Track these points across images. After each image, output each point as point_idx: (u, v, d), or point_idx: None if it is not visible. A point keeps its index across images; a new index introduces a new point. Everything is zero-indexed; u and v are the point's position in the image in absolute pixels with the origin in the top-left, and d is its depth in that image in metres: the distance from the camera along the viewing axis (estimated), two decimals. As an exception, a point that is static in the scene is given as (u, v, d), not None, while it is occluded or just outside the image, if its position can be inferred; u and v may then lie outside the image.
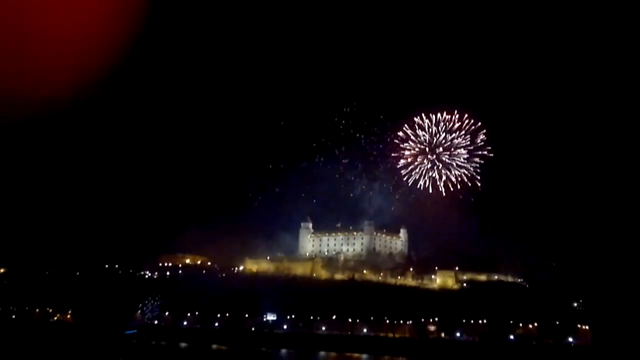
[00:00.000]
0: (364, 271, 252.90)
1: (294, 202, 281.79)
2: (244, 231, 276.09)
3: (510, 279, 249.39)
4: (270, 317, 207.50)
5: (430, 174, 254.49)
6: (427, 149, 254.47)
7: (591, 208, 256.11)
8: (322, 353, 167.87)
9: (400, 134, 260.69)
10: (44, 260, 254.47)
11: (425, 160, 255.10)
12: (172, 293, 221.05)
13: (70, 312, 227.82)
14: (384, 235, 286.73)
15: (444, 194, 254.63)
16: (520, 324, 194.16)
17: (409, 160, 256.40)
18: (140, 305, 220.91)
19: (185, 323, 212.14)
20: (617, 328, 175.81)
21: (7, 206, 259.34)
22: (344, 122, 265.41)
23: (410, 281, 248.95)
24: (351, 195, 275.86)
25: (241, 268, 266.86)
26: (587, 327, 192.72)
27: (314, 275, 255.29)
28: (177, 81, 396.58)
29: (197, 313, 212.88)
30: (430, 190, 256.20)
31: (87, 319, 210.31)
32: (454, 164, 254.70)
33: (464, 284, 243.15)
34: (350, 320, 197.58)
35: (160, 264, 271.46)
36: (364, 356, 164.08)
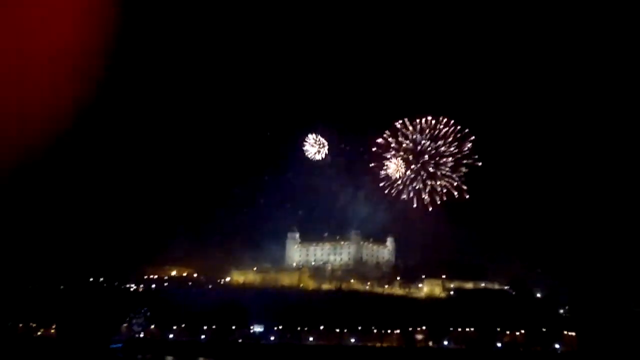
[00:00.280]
0: (352, 281, 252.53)
1: (279, 212, 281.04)
2: (229, 242, 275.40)
3: (497, 286, 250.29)
4: (257, 328, 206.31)
5: (414, 184, 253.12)
6: (410, 157, 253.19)
7: (577, 215, 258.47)
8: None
9: (382, 141, 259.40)
10: (27, 275, 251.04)
11: (408, 171, 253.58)
12: (158, 306, 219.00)
13: (54, 326, 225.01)
14: (371, 245, 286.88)
15: (428, 204, 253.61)
16: (508, 332, 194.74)
17: (392, 170, 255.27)
18: (126, 318, 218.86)
19: (171, 336, 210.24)
20: (603, 334, 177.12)
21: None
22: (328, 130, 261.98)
23: (397, 290, 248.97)
24: (336, 205, 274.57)
25: (227, 279, 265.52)
26: (573, 334, 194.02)
27: (301, 285, 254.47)
28: (159, 91, 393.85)
29: (183, 326, 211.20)
30: (415, 201, 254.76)
31: (71, 334, 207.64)
32: (439, 173, 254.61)
33: (451, 292, 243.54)
34: (337, 330, 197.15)
35: (146, 277, 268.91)
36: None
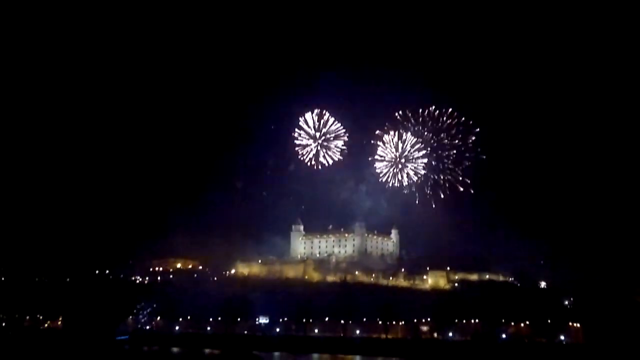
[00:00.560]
0: (356, 273, 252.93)
1: (283, 204, 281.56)
2: (234, 234, 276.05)
3: (501, 278, 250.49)
4: (263, 320, 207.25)
5: (415, 178, 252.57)
6: (411, 150, 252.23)
7: (581, 206, 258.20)
8: (315, 355, 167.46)
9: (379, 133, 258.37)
10: (34, 267, 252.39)
11: (408, 163, 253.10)
12: (163, 298, 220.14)
13: (60, 318, 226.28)
14: (375, 237, 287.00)
15: (431, 198, 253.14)
16: (512, 323, 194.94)
17: (392, 162, 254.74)
18: (132, 310, 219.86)
19: (177, 328, 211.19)
20: (609, 325, 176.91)
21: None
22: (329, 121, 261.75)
23: (402, 282, 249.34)
24: (340, 197, 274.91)
25: (233, 271, 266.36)
26: (578, 325, 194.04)
27: (306, 277, 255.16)
28: (165, 80, 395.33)
29: (189, 317, 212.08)
30: (417, 194, 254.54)
31: (78, 326, 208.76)
32: (440, 166, 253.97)
33: (456, 284, 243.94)
34: (342, 322, 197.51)
35: (152, 269, 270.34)
36: (357, 358, 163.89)
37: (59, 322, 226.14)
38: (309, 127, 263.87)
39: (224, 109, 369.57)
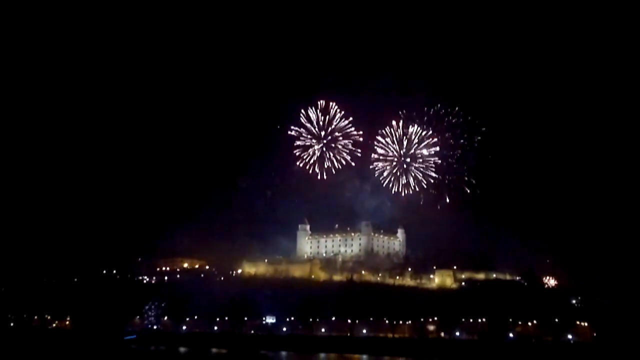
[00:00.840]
0: (363, 272, 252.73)
1: (288, 204, 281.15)
2: (241, 234, 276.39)
3: (508, 277, 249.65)
4: (270, 319, 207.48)
5: (420, 177, 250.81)
6: (412, 148, 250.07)
7: (589, 204, 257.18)
8: (322, 354, 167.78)
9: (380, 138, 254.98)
10: (42, 267, 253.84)
11: (414, 163, 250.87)
12: (170, 297, 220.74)
13: (68, 318, 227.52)
14: (381, 236, 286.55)
15: (436, 195, 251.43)
16: (519, 322, 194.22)
17: (397, 162, 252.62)
18: (139, 310, 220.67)
19: (184, 327, 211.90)
20: (618, 324, 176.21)
21: (3, 213, 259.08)
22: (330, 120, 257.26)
23: (408, 281, 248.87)
24: (346, 196, 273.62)
25: (239, 271, 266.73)
26: (585, 324, 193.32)
27: (313, 276, 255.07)
28: (172, 80, 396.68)
29: (196, 317, 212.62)
30: (422, 194, 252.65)
31: (85, 325, 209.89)
32: (445, 165, 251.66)
33: (463, 283, 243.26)
34: (349, 321, 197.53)
35: (158, 268, 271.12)
36: (364, 357, 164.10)
37: (67, 322, 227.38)
38: (311, 124, 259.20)
39: (229, 108, 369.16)
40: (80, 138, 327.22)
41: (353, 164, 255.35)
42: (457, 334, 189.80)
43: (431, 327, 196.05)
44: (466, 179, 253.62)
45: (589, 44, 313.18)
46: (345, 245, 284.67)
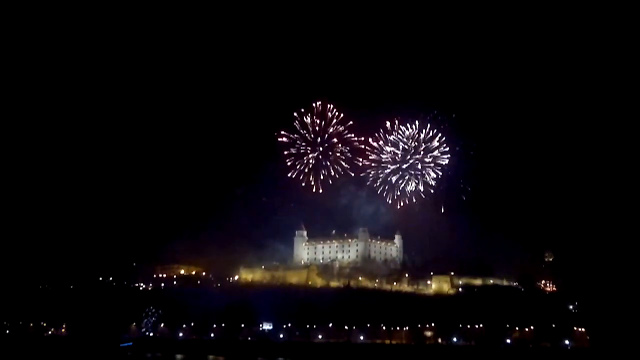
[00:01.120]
0: (360, 278, 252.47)
1: (285, 210, 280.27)
2: (237, 240, 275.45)
3: (505, 282, 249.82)
4: (266, 326, 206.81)
5: (412, 182, 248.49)
6: (408, 155, 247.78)
7: (585, 209, 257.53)
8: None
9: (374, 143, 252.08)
10: (37, 274, 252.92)
11: (404, 166, 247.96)
12: (167, 304, 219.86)
13: (64, 326, 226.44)
14: (378, 242, 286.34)
15: (431, 202, 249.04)
16: (517, 328, 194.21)
17: (391, 168, 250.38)
18: (136, 317, 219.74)
19: (180, 334, 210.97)
20: (615, 329, 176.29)
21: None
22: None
23: (405, 287, 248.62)
24: (342, 202, 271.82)
25: (236, 278, 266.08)
26: (582, 330, 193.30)
27: (310, 283, 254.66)
28: (165, 88, 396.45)
29: (192, 324, 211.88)
30: (414, 199, 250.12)
31: (81, 333, 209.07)
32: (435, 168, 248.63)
33: (460, 289, 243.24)
34: (346, 327, 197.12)
35: (155, 275, 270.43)
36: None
37: (63, 330, 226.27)
38: (307, 130, 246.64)
39: (226, 114, 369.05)
40: (76, 145, 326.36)
41: (352, 174, 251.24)
42: (455, 339, 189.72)
43: (428, 333, 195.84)
44: (462, 186, 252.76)
45: (584, 49, 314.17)
46: (342, 252, 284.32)
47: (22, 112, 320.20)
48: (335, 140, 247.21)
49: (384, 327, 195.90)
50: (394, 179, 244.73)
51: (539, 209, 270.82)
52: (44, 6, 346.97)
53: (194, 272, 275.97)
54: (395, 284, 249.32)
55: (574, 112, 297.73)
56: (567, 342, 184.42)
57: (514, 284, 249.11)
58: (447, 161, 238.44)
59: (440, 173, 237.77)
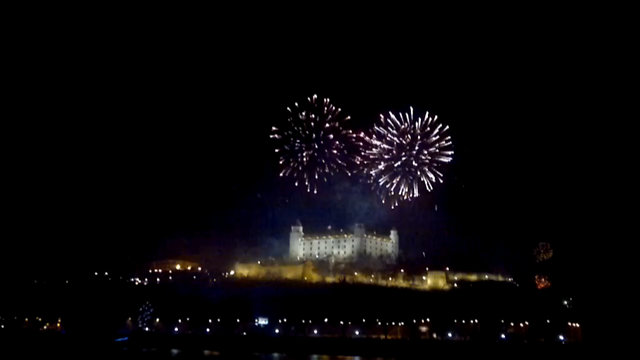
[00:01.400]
0: (355, 273, 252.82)
1: (281, 206, 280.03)
2: (233, 236, 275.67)
3: (500, 278, 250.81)
4: (262, 321, 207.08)
5: (406, 179, 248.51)
6: (402, 151, 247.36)
7: (579, 205, 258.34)
8: (314, 356, 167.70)
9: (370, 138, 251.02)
10: (33, 269, 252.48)
11: (399, 162, 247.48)
12: (163, 299, 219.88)
13: (60, 320, 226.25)
14: (374, 238, 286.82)
15: (418, 196, 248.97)
16: (512, 323, 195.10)
17: (383, 164, 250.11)
18: (131, 312, 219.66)
19: (176, 329, 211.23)
20: (608, 325, 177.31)
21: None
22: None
23: (401, 282, 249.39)
24: (337, 198, 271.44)
25: (232, 273, 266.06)
26: (577, 325, 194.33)
27: (305, 278, 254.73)
28: (162, 85, 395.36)
29: (188, 319, 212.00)
30: (407, 195, 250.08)
31: (77, 328, 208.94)
32: (429, 165, 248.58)
33: (455, 285, 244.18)
34: (342, 322, 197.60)
35: (151, 271, 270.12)
36: (357, 358, 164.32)
37: (58, 324, 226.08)
38: (299, 126, 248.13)
39: (221, 112, 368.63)
40: (73, 142, 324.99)
41: (348, 173, 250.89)
42: (450, 335, 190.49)
43: (424, 329, 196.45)
44: (456, 182, 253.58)
45: (576, 43, 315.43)
46: (338, 247, 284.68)
47: (20, 110, 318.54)
48: (331, 136, 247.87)
49: (379, 322, 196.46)
50: (387, 179, 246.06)
51: (534, 205, 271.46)
52: (44, 6, 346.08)
53: (189, 268, 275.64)
54: (390, 279, 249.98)
55: (568, 107, 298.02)
56: (561, 337, 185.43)
57: (509, 279, 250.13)
58: (450, 158, 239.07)
59: (439, 173, 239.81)
